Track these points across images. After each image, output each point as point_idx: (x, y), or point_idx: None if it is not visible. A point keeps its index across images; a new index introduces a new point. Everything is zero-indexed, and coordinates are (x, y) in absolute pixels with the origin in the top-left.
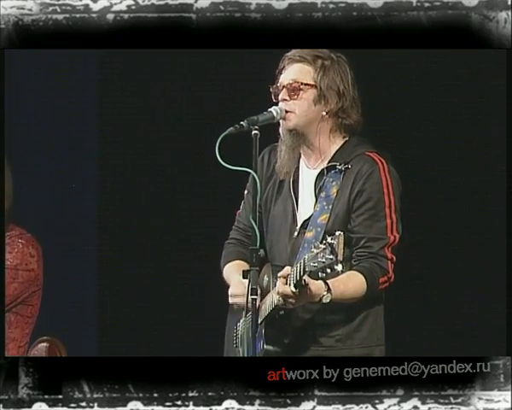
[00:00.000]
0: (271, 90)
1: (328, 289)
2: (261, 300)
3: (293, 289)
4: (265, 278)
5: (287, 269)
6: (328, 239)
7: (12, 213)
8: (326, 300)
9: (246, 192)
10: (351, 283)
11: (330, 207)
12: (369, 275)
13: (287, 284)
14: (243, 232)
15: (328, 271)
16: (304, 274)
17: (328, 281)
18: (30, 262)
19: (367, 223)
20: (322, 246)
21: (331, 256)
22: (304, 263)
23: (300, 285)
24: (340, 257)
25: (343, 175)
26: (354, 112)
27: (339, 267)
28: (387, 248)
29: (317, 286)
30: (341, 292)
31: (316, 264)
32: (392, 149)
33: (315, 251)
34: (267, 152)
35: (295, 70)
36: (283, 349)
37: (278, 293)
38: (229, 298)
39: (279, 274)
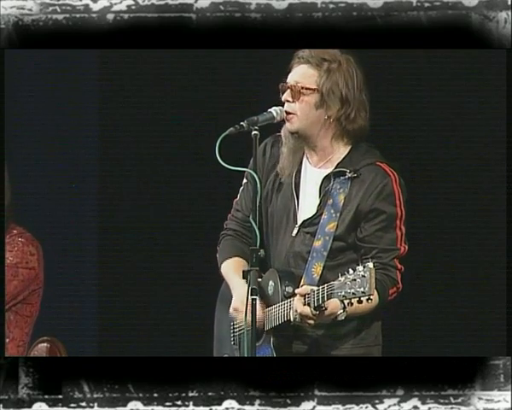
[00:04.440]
0: (279, 87)
1: (344, 307)
2: (267, 306)
3: (314, 311)
4: (270, 283)
5: (305, 288)
6: (359, 271)
7: (12, 212)
8: (341, 317)
9: (245, 181)
10: None
11: (338, 215)
12: (380, 288)
13: (305, 304)
14: (242, 223)
15: (354, 301)
16: (328, 299)
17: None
18: (30, 260)
19: (379, 234)
20: (351, 276)
21: (362, 289)
22: (329, 289)
23: (320, 308)
24: (373, 291)
25: (351, 183)
26: (361, 117)
27: (369, 301)
28: (397, 258)
29: (333, 305)
30: (355, 308)
31: (343, 293)
32: (390, 149)
33: (342, 279)
34: (269, 143)
35: (300, 72)
36: (290, 354)
37: (296, 312)
38: (231, 311)
39: (297, 291)
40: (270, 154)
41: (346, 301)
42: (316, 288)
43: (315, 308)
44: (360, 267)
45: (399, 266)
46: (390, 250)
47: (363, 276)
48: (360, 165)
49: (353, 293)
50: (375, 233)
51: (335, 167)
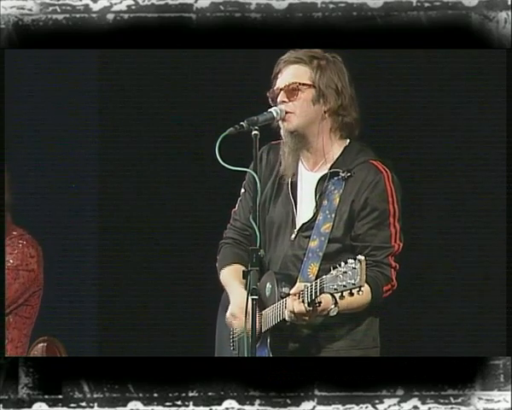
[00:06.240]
0: (268, 95)
1: (336, 303)
2: (264, 309)
3: (308, 307)
4: (268, 286)
5: (299, 286)
6: (350, 263)
7: (13, 213)
8: (333, 313)
9: (243, 190)
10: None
11: (333, 215)
12: (373, 284)
13: (299, 301)
14: (240, 231)
15: (346, 294)
16: (320, 294)
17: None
18: (30, 263)
19: (372, 232)
20: (342, 269)
21: (352, 281)
22: (321, 284)
23: (314, 303)
24: (363, 283)
25: (345, 183)
26: (353, 110)
27: (360, 292)
28: (391, 256)
29: (325, 300)
30: (347, 303)
31: (335, 286)
32: (391, 149)
33: (334, 273)
34: (265, 151)
35: (292, 72)
36: (286, 354)
37: (291, 311)
38: (228, 316)
39: (291, 291)
40: (267, 161)
41: (337, 295)
42: (309, 284)
43: (309, 304)
44: (351, 260)
45: (394, 263)
46: (384, 248)
47: (354, 268)
48: (353, 164)
49: (344, 285)
50: (369, 231)
51: (330, 168)
